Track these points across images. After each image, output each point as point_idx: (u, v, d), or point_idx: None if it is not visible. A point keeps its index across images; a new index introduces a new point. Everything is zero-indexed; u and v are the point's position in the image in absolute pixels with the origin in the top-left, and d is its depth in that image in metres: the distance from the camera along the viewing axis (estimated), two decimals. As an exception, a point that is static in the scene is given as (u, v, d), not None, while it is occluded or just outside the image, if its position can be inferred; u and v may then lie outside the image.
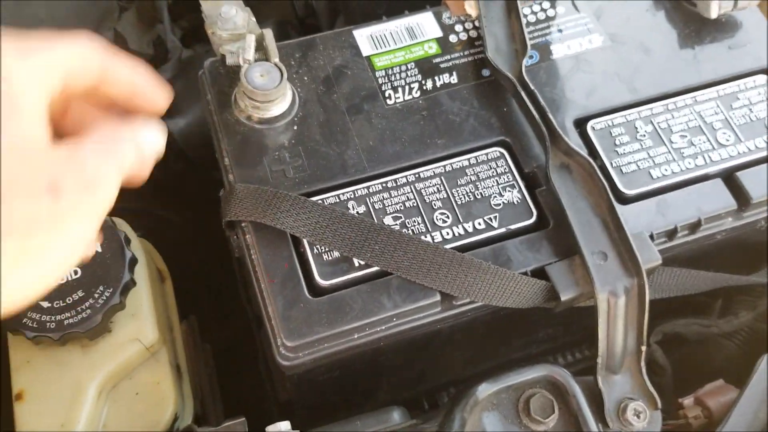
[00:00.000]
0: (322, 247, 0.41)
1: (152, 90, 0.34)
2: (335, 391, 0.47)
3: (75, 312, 0.41)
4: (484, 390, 0.40)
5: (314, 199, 0.42)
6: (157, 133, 0.33)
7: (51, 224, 0.29)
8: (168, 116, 0.65)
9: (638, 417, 0.40)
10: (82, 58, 0.32)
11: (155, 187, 0.74)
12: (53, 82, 0.31)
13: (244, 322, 0.59)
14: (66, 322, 0.41)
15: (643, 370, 0.41)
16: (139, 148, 0.32)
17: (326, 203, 0.42)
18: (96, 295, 0.42)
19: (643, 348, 0.41)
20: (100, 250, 0.43)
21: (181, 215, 0.71)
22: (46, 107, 0.30)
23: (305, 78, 0.47)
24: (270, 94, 0.43)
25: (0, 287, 0.28)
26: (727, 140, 0.46)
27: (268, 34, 0.45)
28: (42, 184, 0.29)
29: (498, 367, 0.55)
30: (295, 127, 0.45)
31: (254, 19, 0.47)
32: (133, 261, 0.44)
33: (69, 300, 0.41)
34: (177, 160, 0.67)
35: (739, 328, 0.57)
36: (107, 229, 0.44)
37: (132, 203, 0.70)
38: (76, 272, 0.42)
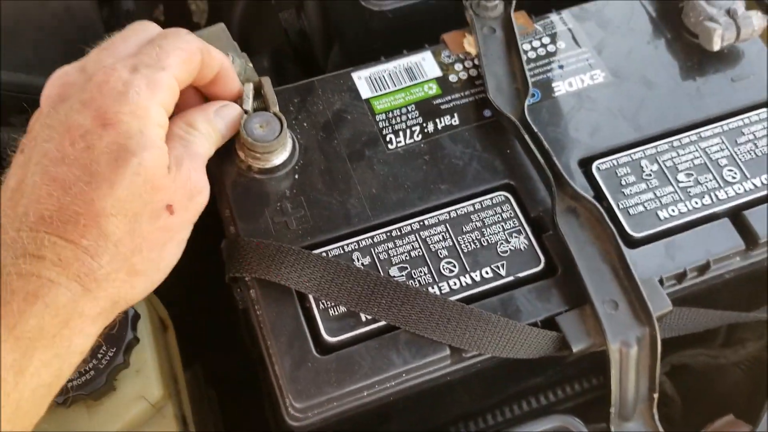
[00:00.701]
0: (328, 302, 0.40)
1: (231, 74, 0.42)
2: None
3: (79, 374, 0.41)
4: (497, 444, 0.39)
5: (318, 251, 0.42)
6: (237, 108, 0.42)
7: (168, 236, 0.36)
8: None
9: (652, 464, 0.40)
10: (189, 64, 0.38)
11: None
12: (170, 100, 0.37)
13: (247, 360, 0.59)
14: (70, 384, 0.40)
15: (656, 416, 0.41)
16: (222, 132, 0.41)
17: (330, 255, 0.42)
18: (99, 356, 0.41)
19: (655, 395, 0.41)
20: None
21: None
22: (165, 129, 0.37)
23: (305, 124, 0.46)
24: (270, 146, 0.42)
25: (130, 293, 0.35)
26: (733, 177, 0.45)
27: (267, 82, 0.44)
28: (162, 205, 0.35)
29: (509, 399, 0.55)
30: (296, 176, 0.44)
31: (251, 65, 0.46)
32: (136, 317, 0.43)
33: (71, 361, 0.41)
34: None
35: (746, 357, 0.57)
36: (108, 286, 0.43)
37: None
38: (77, 332, 0.41)
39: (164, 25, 0.47)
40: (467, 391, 0.48)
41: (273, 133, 0.43)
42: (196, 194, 0.38)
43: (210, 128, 0.40)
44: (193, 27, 0.86)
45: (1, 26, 0.56)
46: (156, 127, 0.36)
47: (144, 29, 0.39)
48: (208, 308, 0.63)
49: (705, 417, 0.49)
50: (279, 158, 0.44)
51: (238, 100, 0.43)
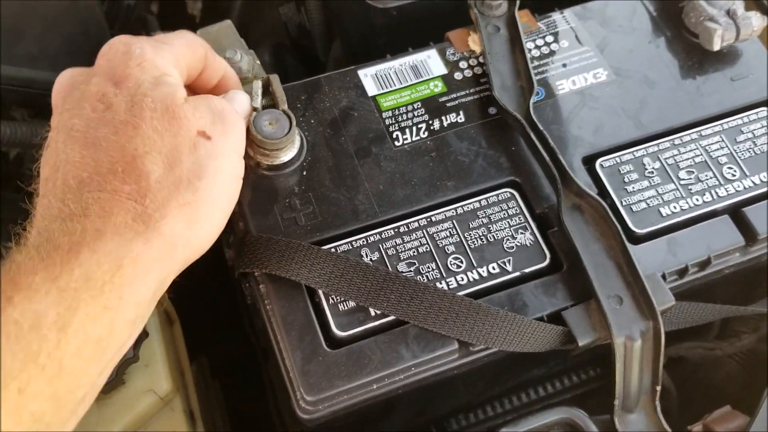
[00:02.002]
0: (338, 297, 0.41)
1: (235, 80, 0.44)
2: (349, 430, 0.47)
3: (89, 368, 0.41)
4: (504, 435, 0.40)
5: (327, 247, 0.42)
6: (246, 96, 0.43)
7: (213, 165, 0.35)
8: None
9: (654, 455, 0.41)
10: (193, 53, 0.40)
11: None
12: (175, 63, 0.38)
13: (248, 352, 0.59)
14: (80, 378, 0.41)
15: (658, 409, 0.42)
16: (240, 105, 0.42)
17: (339, 251, 0.42)
18: (109, 350, 0.41)
19: (658, 388, 0.42)
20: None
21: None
22: (182, 81, 0.38)
23: (312, 121, 0.47)
24: (279, 143, 0.43)
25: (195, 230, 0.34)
26: (733, 175, 0.46)
27: (275, 79, 0.45)
28: (194, 133, 0.35)
29: (511, 391, 0.56)
30: (304, 173, 0.45)
31: (258, 62, 0.47)
32: (145, 312, 0.43)
33: (82, 355, 0.41)
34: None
35: (742, 350, 0.58)
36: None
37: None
38: (87, 326, 0.42)
39: (159, 16, 0.48)
40: (472, 384, 0.49)
41: (282, 130, 0.43)
42: (228, 116, 0.38)
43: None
44: (188, 19, 0.86)
45: (2, 21, 0.55)
46: (164, 76, 0.37)
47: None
48: (208, 300, 0.64)
49: (701, 409, 0.50)
50: (287, 155, 0.44)
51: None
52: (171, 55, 0.38)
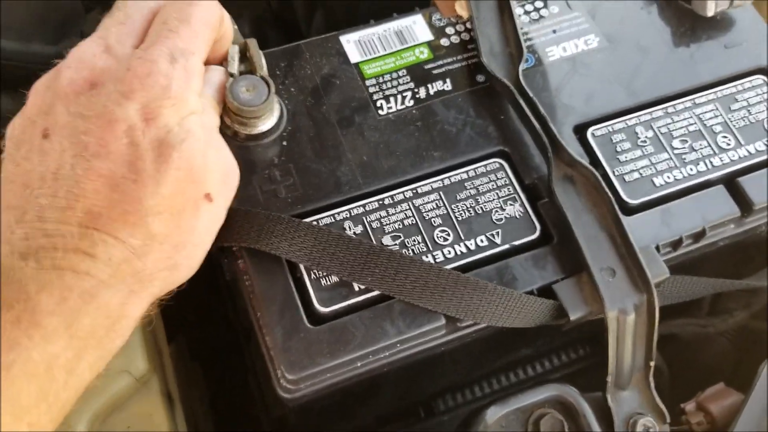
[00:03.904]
0: (320, 272, 0.39)
1: (230, 40, 0.41)
2: (331, 411, 0.46)
3: (59, 348, 0.39)
4: (493, 414, 0.39)
5: (308, 220, 0.40)
6: (220, 69, 0.41)
7: (209, 226, 0.36)
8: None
9: (648, 432, 0.40)
10: (212, 42, 0.38)
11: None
12: (201, 83, 0.37)
13: (230, 332, 0.58)
14: (50, 359, 0.39)
15: (652, 385, 0.41)
16: (217, 99, 0.40)
17: (321, 224, 0.40)
18: (81, 329, 0.39)
19: (652, 363, 0.40)
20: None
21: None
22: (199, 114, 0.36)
23: (292, 89, 0.45)
24: (257, 111, 0.41)
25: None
26: (728, 144, 0.45)
27: (253, 43, 0.43)
28: (201, 195, 0.34)
29: (499, 370, 0.55)
30: (285, 143, 0.43)
31: (236, 26, 0.44)
32: (118, 290, 0.41)
33: (51, 335, 0.39)
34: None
35: (733, 326, 0.57)
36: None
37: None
38: (57, 305, 0.40)
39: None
40: (460, 362, 0.48)
41: (260, 97, 0.41)
42: (230, 175, 0.37)
43: (206, 100, 0.39)
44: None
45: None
46: (192, 115, 0.35)
47: None
48: (189, 281, 0.62)
49: (692, 387, 0.49)
50: (266, 124, 0.42)
51: (223, 62, 0.42)
52: (199, 78, 0.36)
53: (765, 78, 0.48)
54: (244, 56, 0.43)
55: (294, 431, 0.48)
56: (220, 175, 0.36)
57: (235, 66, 0.41)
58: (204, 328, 0.60)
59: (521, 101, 0.43)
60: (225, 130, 0.42)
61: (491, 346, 0.47)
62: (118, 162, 0.32)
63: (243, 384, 0.58)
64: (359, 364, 0.38)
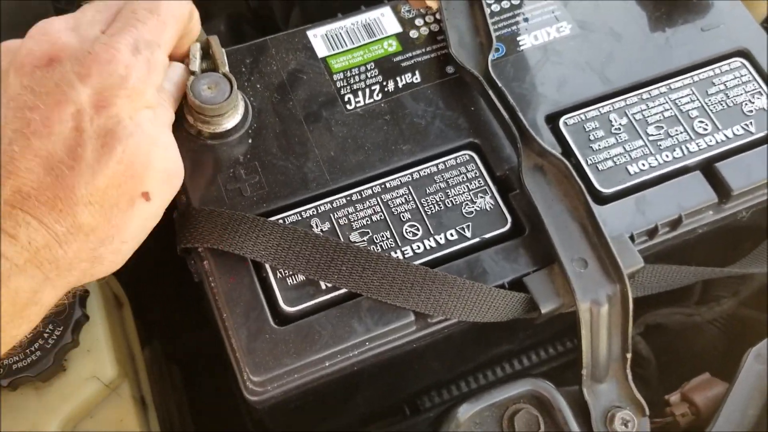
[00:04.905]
0: (286, 271, 0.38)
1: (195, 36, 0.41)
2: (309, 412, 0.45)
3: (24, 355, 0.39)
4: (466, 411, 0.38)
5: (274, 218, 0.40)
6: (180, 66, 0.40)
7: (141, 225, 0.35)
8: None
9: (626, 426, 0.39)
10: (178, 36, 0.38)
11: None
12: (162, 78, 0.36)
13: (211, 332, 0.57)
14: (15, 366, 0.38)
15: (629, 377, 0.40)
16: (175, 96, 0.39)
17: (287, 222, 0.40)
18: (46, 335, 0.39)
19: (628, 355, 0.39)
20: (47, 285, 0.40)
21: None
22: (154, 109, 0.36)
23: (258, 86, 0.44)
24: (219, 108, 0.40)
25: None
26: (705, 129, 0.44)
27: (215, 41, 0.42)
28: (138, 193, 0.34)
29: (486, 365, 0.54)
30: (250, 141, 0.42)
31: (199, 24, 0.44)
32: (85, 294, 0.41)
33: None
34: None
35: (722, 315, 0.56)
36: (54, 262, 0.41)
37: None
38: (22, 311, 0.39)
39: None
40: (438, 359, 0.47)
41: (222, 94, 0.40)
42: (173, 177, 0.36)
43: (164, 96, 0.38)
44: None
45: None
46: (146, 110, 0.34)
47: None
48: (172, 282, 0.61)
49: (681, 376, 0.48)
50: (230, 122, 0.42)
51: (185, 60, 0.41)
52: (161, 73, 0.35)
53: (743, 60, 0.46)
54: (207, 54, 0.42)
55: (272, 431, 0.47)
56: (163, 175, 0.35)
57: (197, 64, 0.41)
58: (182, 330, 0.59)
59: (490, 92, 0.42)
60: (188, 129, 0.42)
61: (471, 340, 0.46)
62: (58, 145, 0.31)
63: (225, 385, 0.57)
64: (327, 364, 0.37)
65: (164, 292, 0.60)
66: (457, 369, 0.53)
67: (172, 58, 0.39)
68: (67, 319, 0.39)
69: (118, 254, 0.34)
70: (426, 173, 0.42)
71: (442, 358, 0.48)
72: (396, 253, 0.39)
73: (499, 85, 0.42)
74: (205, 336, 0.60)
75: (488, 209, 0.41)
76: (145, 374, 0.46)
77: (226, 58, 0.42)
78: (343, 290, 0.38)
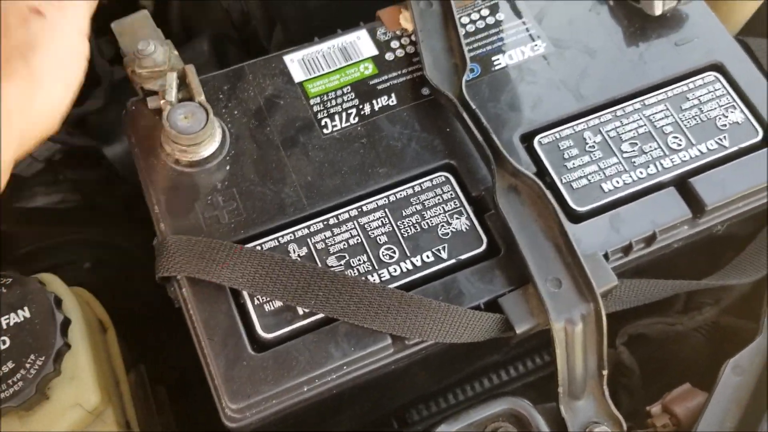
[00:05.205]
0: (263, 297, 0.38)
1: None
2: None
3: (6, 385, 0.39)
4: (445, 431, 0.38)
5: (252, 244, 0.40)
6: None
7: (45, 38, 0.36)
8: (105, 143, 0.62)
9: (604, 442, 0.39)
10: None
11: (102, 213, 0.71)
12: None
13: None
14: (-2, 396, 0.39)
15: (606, 393, 0.40)
16: None
17: (265, 248, 0.40)
18: (27, 365, 0.39)
19: (604, 372, 0.40)
20: (28, 315, 0.40)
21: (129, 240, 0.68)
22: None
23: (235, 112, 0.44)
24: (196, 137, 0.41)
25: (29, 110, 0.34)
26: (679, 145, 0.44)
27: (191, 70, 0.42)
28: (25, 8, 0.36)
29: (473, 377, 0.54)
30: (228, 167, 0.43)
31: (176, 52, 0.44)
32: (66, 323, 0.41)
33: (-1, 373, 0.39)
34: (123, 184, 0.64)
35: (704, 323, 0.56)
36: (35, 293, 0.41)
37: (79, 231, 0.67)
38: (4, 342, 0.40)
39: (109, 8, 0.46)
40: (420, 376, 0.47)
41: (199, 123, 0.41)
42: (67, 3, 0.38)
43: None
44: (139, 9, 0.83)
45: None
46: None
47: None
48: (160, 303, 0.62)
49: (665, 385, 0.48)
50: (207, 149, 0.42)
51: (162, 91, 0.41)
52: None
53: (717, 74, 0.47)
54: (183, 82, 0.42)
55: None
56: None
57: (173, 93, 0.41)
58: (170, 350, 0.59)
59: (464, 114, 0.42)
60: (165, 158, 0.42)
61: (452, 359, 0.46)
62: None
63: (212, 405, 0.58)
64: (305, 389, 0.37)
65: (150, 311, 0.60)
66: (442, 382, 0.54)
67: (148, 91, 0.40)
68: (48, 348, 0.40)
69: (34, 71, 0.35)
70: (402, 195, 0.42)
71: (424, 376, 0.48)
72: (373, 276, 0.40)
73: (473, 106, 0.43)
74: (193, 355, 0.61)
75: (464, 230, 0.41)
76: (129, 399, 0.46)
77: (201, 87, 0.42)
78: (320, 315, 0.38)
